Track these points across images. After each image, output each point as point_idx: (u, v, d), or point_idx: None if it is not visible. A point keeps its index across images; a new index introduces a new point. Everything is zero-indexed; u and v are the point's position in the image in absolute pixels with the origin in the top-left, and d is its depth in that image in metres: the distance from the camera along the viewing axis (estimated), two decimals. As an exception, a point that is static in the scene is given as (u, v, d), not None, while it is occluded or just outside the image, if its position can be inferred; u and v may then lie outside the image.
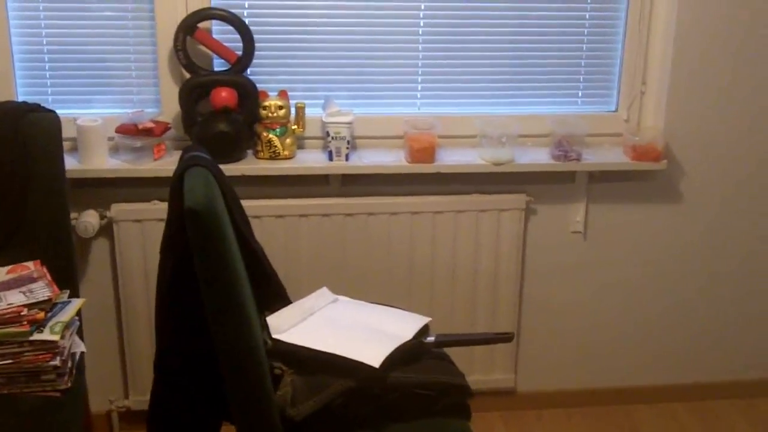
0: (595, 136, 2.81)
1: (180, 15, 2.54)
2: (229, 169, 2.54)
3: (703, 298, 3.00)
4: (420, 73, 2.75)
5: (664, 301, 2.98)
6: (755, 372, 3.11)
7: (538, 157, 2.71)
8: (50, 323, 2.04)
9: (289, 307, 2.16)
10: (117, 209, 2.59)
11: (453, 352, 2.61)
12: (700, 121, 2.79)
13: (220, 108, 2.54)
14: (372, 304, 2.28)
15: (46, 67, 2.60)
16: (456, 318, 2.81)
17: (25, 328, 1.98)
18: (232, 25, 2.55)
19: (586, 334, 2.98)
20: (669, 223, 2.89)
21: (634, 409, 3.05)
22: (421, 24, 2.70)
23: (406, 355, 2.01)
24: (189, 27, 2.53)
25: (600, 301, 2.95)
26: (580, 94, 2.83)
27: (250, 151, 2.65)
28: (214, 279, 1.76)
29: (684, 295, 2.98)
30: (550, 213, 2.83)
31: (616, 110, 2.84)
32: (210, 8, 2.56)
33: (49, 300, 2.07)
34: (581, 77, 2.81)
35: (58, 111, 2.55)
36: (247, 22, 2.58)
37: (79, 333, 2.21)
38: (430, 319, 2.18)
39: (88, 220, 2.56)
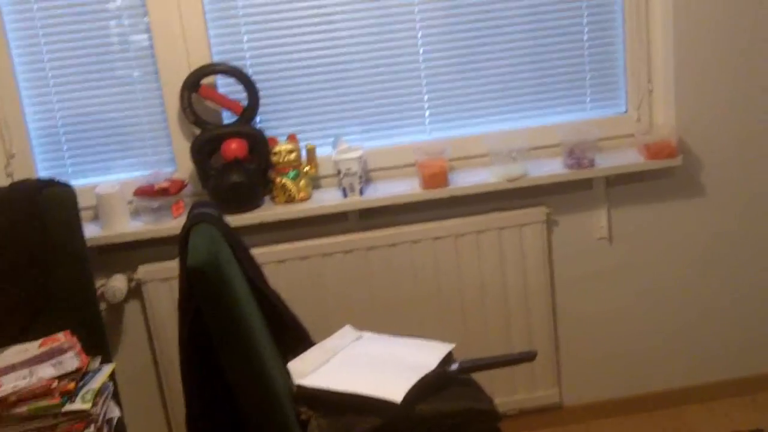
0: (607, 139, 2.80)
1: (183, 73, 2.60)
2: (247, 217, 2.59)
3: (738, 289, 2.94)
4: (426, 99, 2.77)
5: (699, 297, 2.93)
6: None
7: (552, 168, 2.69)
8: (81, 392, 2.08)
9: (312, 349, 2.17)
10: (144, 270, 2.65)
11: (493, 376, 2.63)
12: (711, 112, 2.75)
13: (231, 160, 2.58)
14: (396, 337, 2.29)
15: (63, 140, 2.68)
16: (490, 339, 2.80)
17: (56, 401, 2.02)
18: (234, 77, 2.60)
19: (625, 340, 2.94)
20: (693, 218, 2.85)
21: (685, 410, 2.99)
22: (421, 51, 2.72)
23: (430, 385, 2.01)
24: (192, 85, 2.58)
25: (634, 304, 2.91)
26: (588, 100, 2.82)
27: (267, 198, 2.69)
28: (226, 334, 1.79)
29: (718, 287, 2.93)
30: (573, 222, 2.81)
31: (626, 111, 2.82)
32: (211, 64, 2.62)
33: (79, 370, 2.11)
34: (587, 83, 2.80)
35: (78, 181, 2.66)
36: (249, 72, 2.64)
37: (115, 398, 2.25)
38: (453, 345, 2.18)
39: (116, 284, 2.62)
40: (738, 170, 2.82)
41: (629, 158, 2.72)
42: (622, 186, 2.80)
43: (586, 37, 2.76)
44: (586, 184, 2.78)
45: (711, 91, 2.73)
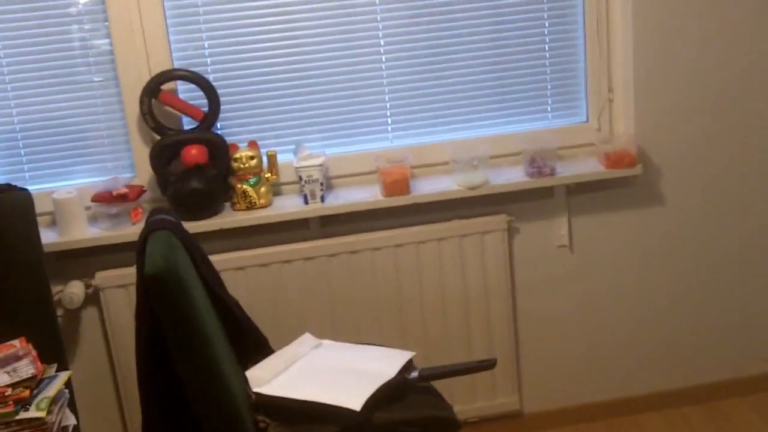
0: (568, 148, 2.82)
1: (144, 78, 2.58)
2: (207, 224, 2.57)
3: (695, 297, 2.98)
4: (388, 107, 2.77)
5: (658, 304, 2.96)
6: (759, 366, 3.07)
7: (513, 176, 2.71)
8: (36, 400, 2.05)
9: (270, 357, 2.16)
10: (101, 277, 2.61)
11: (453, 383, 2.63)
12: (671, 122, 2.78)
13: (192, 166, 2.56)
14: (356, 345, 2.28)
15: (20, 145, 2.64)
16: (451, 346, 2.80)
17: (11, 408, 1.98)
18: (194, 83, 2.58)
19: (586, 347, 2.96)
20: (653, 226, 2.88)
21: (645, 418, 3.01)
22: (384, 59, 2.72)
23: (389, 393, 2.01)
24: (152, 90, 2.56)
25: (595, 312, 2.93)
26: (549, 109, 2.84)
27: (227, 204, 2.67)
28: (183, 342, 1.77)
29: (676, 295, 2.96)
30: (534, 230, 2.83)
31: (587, 121, 2.84)
32: (171, 70, 2.60)
33: (34, 377, 2.08)
34: (548, 92, 2.82)
35: (36, 186, 2.62)
36: (211, 78, 2.62)
37: (71, 405, 2.22)
38: (413, 353, 2.18)
39: (73, 291, 2.58)
40: (696, 179, 2.85)
41: (590, 167, 2.74)
42: (583, 194, 2.82)
43: (547, 46, 2.78)
44: (547, 192, 2.80)
45: (670, 101, 2.76)
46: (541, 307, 2.90)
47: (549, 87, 2.81)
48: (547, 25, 2.76)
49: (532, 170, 2.69)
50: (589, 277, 2.89)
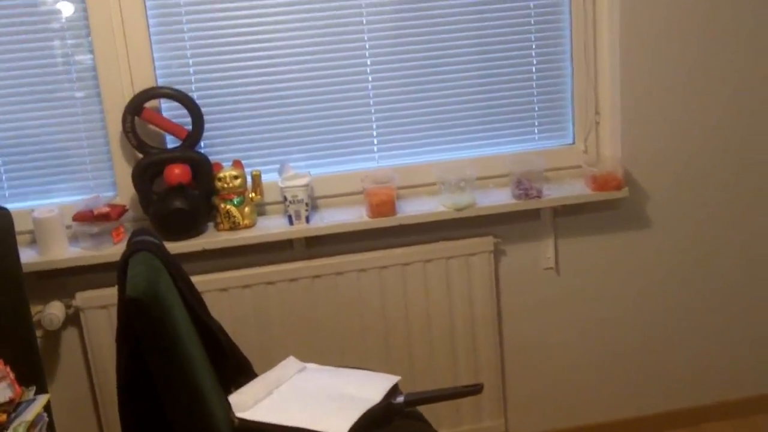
0: (555, 170, 2.81)
1: (127, 96, 2.55)
2: (189, 244, 2.54)
3: (682, 320, 2.96)
4: (374, 127, 2.75)
5: (644, 328, 2.95)
6: (746, 389, 3.06)
7: (499, 198, 2.69)
8: (14, 424, 2.00)
9: (254, 381, 2.13)
10: (82, 297, 2.57)
11: (438, 406, 2.60)
12: (657, 145, 2.78)
13: (174, 185, 2.53)
14: (340, 369, 2.25)
15: (0, 162, 2.60)
16: (437, 369, 2.77)
17: (-13, 433, 1.95)
18: (178, 101, 2.55)
19: (571, 370, 2.94)
20: (639, 249, 2.87)
21: (629, 440, 3.00)
22: (370, 79, 2.70)
23: (375, 419, 1.97)
24: (135, 108, 2.53)
25: (581, 334, 2.91)
26: (536, 131, 2.82)
27: (210, 224, 2.64)
28: (165, 365, 1.74)
29: (663, 318, 2.95)
30: (520, 252, 2.81)
31: (574, 143, 2.84)
32: (155, 88, 2.57)
33: (12, 401, 2.04)
34: (535, 114, 2.81)
35: (16, 204, 2.57)
36: (195, 96, 2.59)
37: (50, 429, 2.18)
38: (399, 378, 2.15)
39: (53, 311, 2.54)
40: (683, 202, 2.85)
41: (576, 189, 2.72)
42: (569, 216, 2.81)
43: (534, 68, 2.77)
44: (533, 214, 2.78)
45: (657, 124, 2.76)
46: (527, 329, 2.88)
47: (536, 108, 2.80)
48: (534, 46, 2.75)
49: (519, 192, 2.67)
50: (575, 299, 2.88)
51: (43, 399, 2.14)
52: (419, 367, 2.75)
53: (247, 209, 2.60)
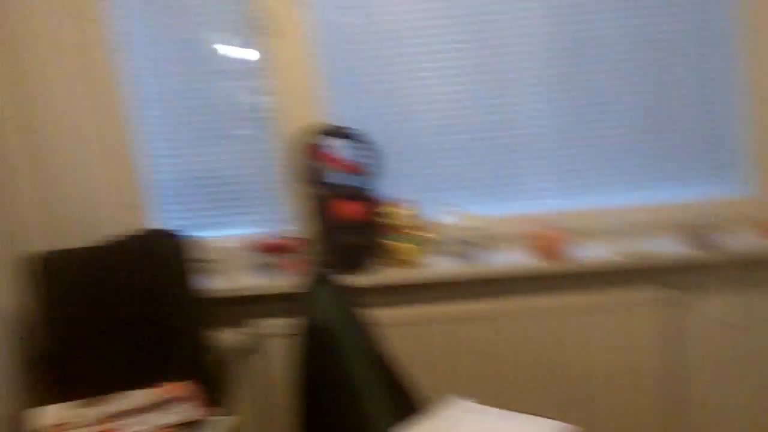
0: (731, 220, 2.70)
1: (302, 134, 2.65)
2: (359, 279, 2.59)
3: None
4: (546, 169, 2.74)
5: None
6: None
7: (674, 248, 2.61)
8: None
9: (415, 419, 2.13)
10: (262, 325, 2.66)
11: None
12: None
13: (347, 220, 2.60)
14: (506, 412, 2.22)
15: (183, 194, 2.76)
16: (603, 425, 2.70)
17: (173, 451, 2.05)
18: (355, 140, 2.63)
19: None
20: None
21: None
22: (544, 123, 2.70)
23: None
24: (311, 146, 2.62)
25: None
26: (712, 179, 2.73)
27: (380, 261, 2.69)
28: (338, 394, 1.78)
29: None
30: (697, 306, 2.70)
31: (751, 193, 2.72)
32: (332, 126, 2.65)
33: (198, 421, 2.14)
34: (711, 162, 2.72)
35: (199, 234, 2.71)
36: (369, 134, 2.66)
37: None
38: (567, 426, 2.10)
39: (231, 337, 2.64)
40: None
41: (756, 241, 2.61)
42: (748, 270, 2.68)
43: (705, 114, 2.69)
44: (710, 265, 2.68)
45: None
46: (709, 390, 2.76)
47: (712, 157, 2.71)
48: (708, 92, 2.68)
49: (696, 242, 2.58)
50: (763, 358, 2.73)
51: (228, 421, 2.24)
52: (583, 420, 2.69)
53: (416, 248, 2.64)
